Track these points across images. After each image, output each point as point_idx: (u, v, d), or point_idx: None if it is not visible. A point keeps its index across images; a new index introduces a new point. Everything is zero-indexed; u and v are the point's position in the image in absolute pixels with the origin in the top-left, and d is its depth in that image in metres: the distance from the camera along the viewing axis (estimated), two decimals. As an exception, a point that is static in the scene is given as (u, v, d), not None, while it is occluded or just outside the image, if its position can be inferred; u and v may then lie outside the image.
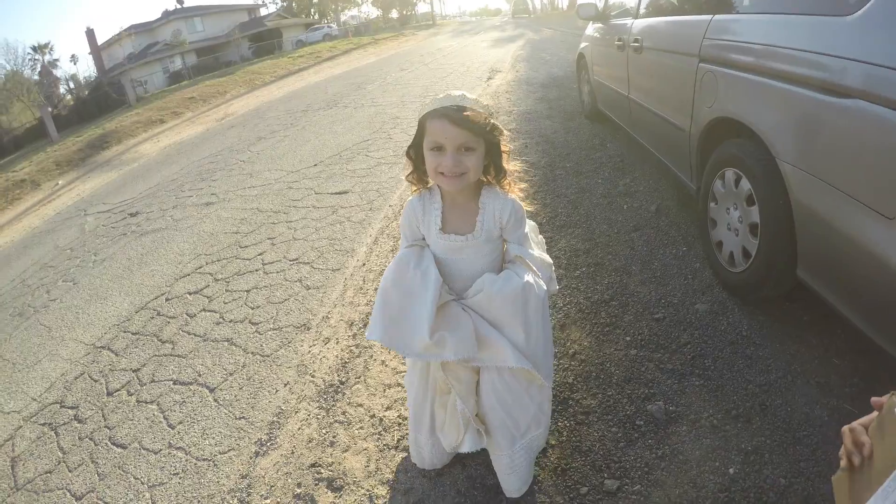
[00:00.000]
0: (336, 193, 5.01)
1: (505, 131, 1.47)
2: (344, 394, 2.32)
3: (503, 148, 1.48)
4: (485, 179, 1.50)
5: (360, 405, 2.23)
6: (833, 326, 2.07)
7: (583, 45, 5.60)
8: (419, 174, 1.51)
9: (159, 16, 42.92)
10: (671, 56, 2.98)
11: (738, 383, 1.93)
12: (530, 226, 1.62)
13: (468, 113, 1.32)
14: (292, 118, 9.67)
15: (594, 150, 4.75)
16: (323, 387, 2.39)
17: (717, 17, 2.47)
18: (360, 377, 2.40)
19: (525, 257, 1.51)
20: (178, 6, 44.08)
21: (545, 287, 1.52)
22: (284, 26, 44.27)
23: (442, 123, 1.33)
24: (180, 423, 2.41)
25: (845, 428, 0.75)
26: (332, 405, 2.27)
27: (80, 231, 6.32)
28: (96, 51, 41.74)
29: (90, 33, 41.57)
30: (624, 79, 3.93)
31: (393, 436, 2.05)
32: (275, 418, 2.28)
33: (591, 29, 5.23)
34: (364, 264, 3.47)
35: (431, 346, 1.38)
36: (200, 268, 4.07)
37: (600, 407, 1.96)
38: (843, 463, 0.75)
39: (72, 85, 42.96)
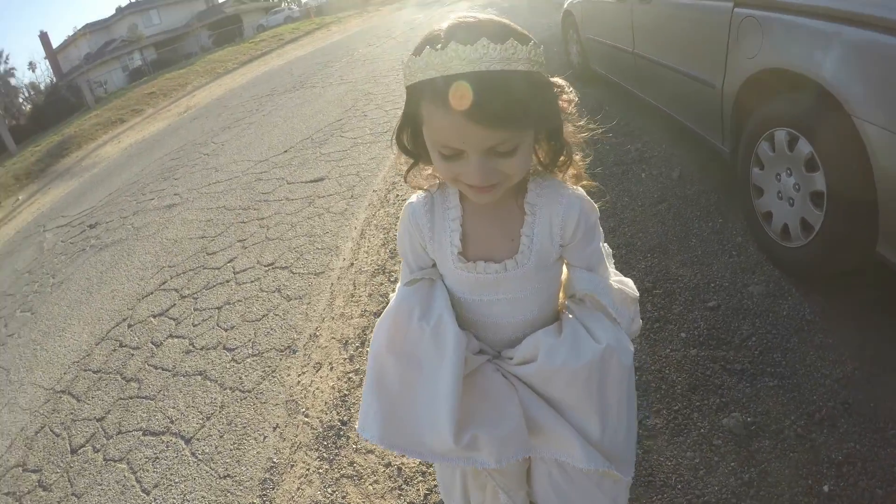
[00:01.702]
0: (311, 182, 4.61)
1: (572, 93, 0.91)
2: (348, 438, 1.94)
3: (566, 124, 0.92)
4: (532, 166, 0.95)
5: (371, 451, 1.87)
6: None
7: (569, 1, 5.18)
8: (417, 174, 1.00)
9: (113, 12, 41.87)
10: (694, 2, 2.61)
11: (815, 379, 1.70)
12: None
13: (503, 94, 0.74)
14: (257, 104, 9.25)
15: (592, 113, 4.22)
16: (321, 430, 2.01)
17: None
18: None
19: (600, 295, 1.00)
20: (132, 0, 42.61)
21: (632, 348, 1.02)
22: (244, 12, 43.20)
23: (456, 122, 0.74)
24: (156, 486, 2.04)
25: None
26: (336, 454, 1.89)
27: (39, 250, 6.00)
28: (52, 55, 40.75)
29: (44, 37, 40.67)
30: (627, 33, 3.55)
31: (418, 490, 1.70)
32: (267, 475, 1.90)
33: (580, -18, 4.81)
34: (352, 264, 3.07)
35: (458, 450, 0.92)
36: (164, 283, 3.67)
37: (668, 427, 1.67)
38: None
39: (32, 93, 41.59)
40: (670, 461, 1.56)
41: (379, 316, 1.13)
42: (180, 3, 42.99)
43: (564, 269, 1.06)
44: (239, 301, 3.06)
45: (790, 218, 2.02)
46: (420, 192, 1.02)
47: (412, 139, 0.90)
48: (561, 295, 1.07)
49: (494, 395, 0.97)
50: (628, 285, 1.09)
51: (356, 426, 1.05)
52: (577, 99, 0.92)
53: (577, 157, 0.96)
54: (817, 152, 1.80)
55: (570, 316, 1.01)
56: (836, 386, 1.67)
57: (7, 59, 43.05)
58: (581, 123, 0.95)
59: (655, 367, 1.87)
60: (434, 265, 1.04)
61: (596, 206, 1.00)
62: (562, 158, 0.94)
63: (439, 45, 0.74)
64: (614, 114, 4.23)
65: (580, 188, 0.99)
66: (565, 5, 5.36)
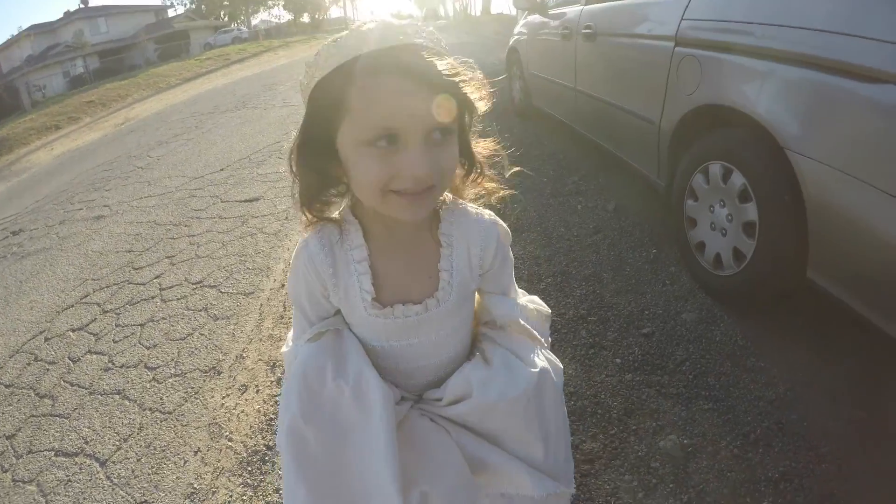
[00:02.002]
0: (245, 201, 4.45)
1: (483, 83, 0.81)
2: (274, 463, 1.81)
3: (473, 135, 0.88)
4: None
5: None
6: (825, 329, 1.94)
7: (514, 38, 5.35)
8: (319, 201, 0.86)
9: (62, 15, 40.26)
10: (637, 42, 2.71)
11: (749, 401, 1.74)
12: None
13: (443, 61, 0.71)
14: (197, 121, 8.95)
15: (532, 147, 4.47)
16: (245, 455, 1.87)
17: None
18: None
19: (523, 319, 0.97)
20: (82, 5, 41.18)
21: (561, 366, 1.01)
22: (193, 28, 42.47)
23: (404, 90, 0.68)
24: (65, 511, 1.83)
25: None
26: (261, 481, 1.76)
27: None
28: None
29: None
30: (570, 70, 3.65)
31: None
32: (187, 501, 1.74)
33: (527, 20, 4.96)
34: (283, 285, 2.95)
35: None
36: (86, 296, 3.40)
37: (605, 451, 1.64)
38: None
39: None
40: (608, 485, 1.54)
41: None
42: (130, 13, 42.10)
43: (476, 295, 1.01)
44: (163, 318, 2.87)
45: (723, 247, 2.08)
46: (312, 231, 0.88)
47: (317, 155, 0.78)
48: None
49: (429, 445, 0.88)
50: (538, 302, 1.07)
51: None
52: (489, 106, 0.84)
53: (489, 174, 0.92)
54: (750, 184, 1.87)
55: (495, 344, 0.96)
56: (770, 407, 1.71)
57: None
58: (486, 142, 0.91)
59: (591, 393, 1.86)
60: (337, 313, 0.93)
61: (508, 229, 0.97)
62: (476, 178, 0.90)
63: (365, 26, 0.71)
64: (553, 147, 4.36)
65: (490, 212, 0.95)
66: (510, 42, 5.49)
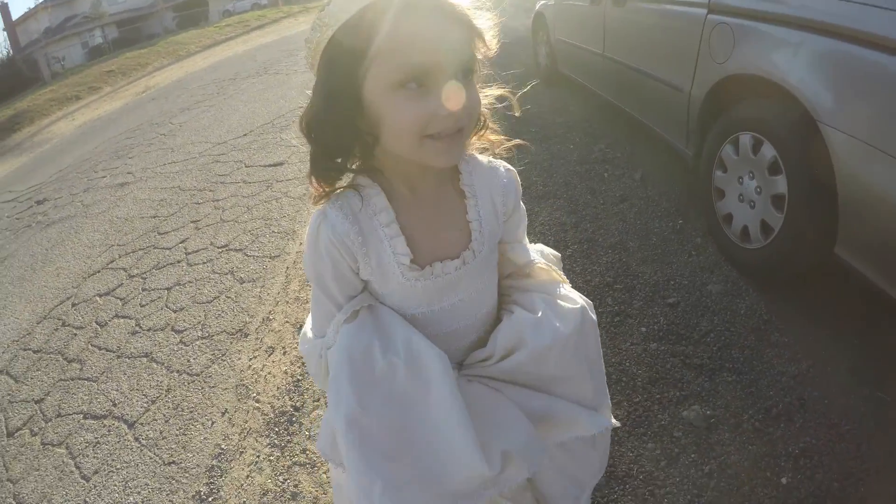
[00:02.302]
0: (270, 166, 4.47)
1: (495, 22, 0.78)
2: (301, 424, 1.85)
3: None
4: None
5: (325, 438, 1.78)
6: (850, 307, 1.89)
7: (541, 2, 5.20)
8: (335, 167, 0.80)
9: None
10: (667, 7, 2.63)
11: (772, 376, 1.72)
12: None
13: None
14: (219, 87, 8.94)
15: (558, 114, 4.39)
16: (272, 416, 1.92)
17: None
18: (318, 400, 1.93)
19: (543, 264, 0.97)
20: (98, -26, 40.84)
21: (590, 300, 0.98)
22: (211, -5, 41.73)
23: (431, 20, 0.67)
24: (96, 472, 1.91)
25: None
26: (288, 441, 1.80)
27: None
28: (11, 27, 38.41)
29: (4, 8, 38.33)
30: (598, 36, 3.55)
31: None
32: (214, 462, 1.80)
33: (555, -17, 4.81)
34: (309, 247, 2.97)
35: (495, 476, 0.78)
36: (112, 262, 3.48)
37: (629, 418, 1.66)
38: None
39: None
40: (632, 452, 1.56)
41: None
42: (147, -18, 41.64)
43: None
44: (190, 282, 2.92)
45: (750, 220, 2.05)
46: (328, 201, 0.82)
47: (340, 111, 0.73)
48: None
49: (489, 407, 0.85)
50: (548, 249, 1.07)
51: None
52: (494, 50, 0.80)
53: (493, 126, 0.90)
54: (781, 156, 1.83)
55: (528, 292, 0.95)
56: (792, 382, 1.69)
57: (-37, 29, 40.57)
58: (492, 88, 0.86)
59: (616, 360, 1.87)
60: (363, 289, 0.87)
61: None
62: (483, 128, 0.87)
63: None
64: (579, 115, 4.28)
65: (501, 160, 0.93)
66: (537, 7, 5.35)
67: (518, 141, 0.94)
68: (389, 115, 0.71)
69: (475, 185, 0.87)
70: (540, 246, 1.06)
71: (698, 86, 2.31)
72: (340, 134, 0.75)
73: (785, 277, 2.02)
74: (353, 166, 0.82)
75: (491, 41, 0.75)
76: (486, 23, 0.74)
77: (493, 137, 0.90)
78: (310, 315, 0.95)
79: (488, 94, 0.86)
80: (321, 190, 0.81)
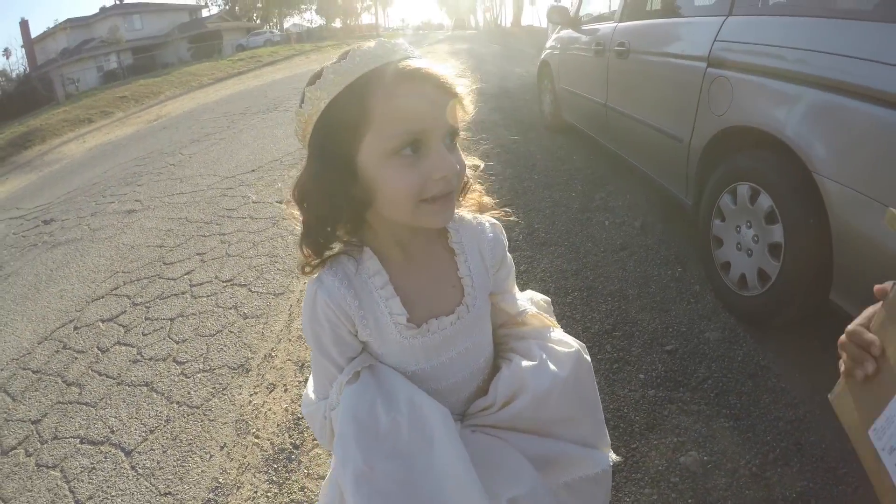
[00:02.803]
0: (277, 202, 4.51)
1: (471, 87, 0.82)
2: (300, 462, 1.84)
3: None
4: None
5: (323, 477, 1.77)
6: None
7: (546, 52, 5.38)
8: (326, 237, 0.82)
9: (97, 10, 40.96)
10: (669, 61, 2.73)
11: (769, 421, 1.74)
12: None
13: (445, 68, 0.76)
14: (229, 121, 9.07)
15: (561, 161, 4.49)
16: (271, 452, 1.91)
17: (735, 18, 2.23)
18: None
19: (535, 312, 1.00)
20: (118, 1, 42.00)
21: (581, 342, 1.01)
22: (226, 29, 43.04)
23: (427, 93, 0.71)
24: (90, 498, 1.89)
25: (843, 337, 0.69)
26: (286, 478, 1.79)
27: None
28: (29, 44, 39.27)
29: (24, 25, 39.15)
30: (601, 86, 3.67)
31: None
32: (211, 495, 1.78)
33: (560, 35, 5.00)
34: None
35: None
36: (117, 288, 3.49)
37: (626, 464, 1.66)
38: (842, 380, 0.71)
39: (2, 79, 40.03)
40: (629, 497, 1.56)
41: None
42: (164, 11, 42.66)
43: None
44: (193, 314, 2.94)
45: (748, 268, 2.09)
46: (324, 268, 0.84)
47: (335, 181, 0.75)
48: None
49: (494, 456, 0.86)
50: (535, 294, 1.09)
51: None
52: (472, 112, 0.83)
53: (478, 188, 0.94)
54: (777, 206, 1.88)
55: (524, 339, 0.97)
56: (789, 427, 1.71)
57: (-17, 42, 41.18)
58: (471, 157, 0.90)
59: (614, 407, 1.87)
60: (362, 350, 0.89)
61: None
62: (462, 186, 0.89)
63: (365, 45, 0.75)
64: (582, 162, 4.37)
65: (486, 216, 0.96)
66: (542, 56, 5.52)
67: (506, 210, 0.99)
68: (385, 182, 0.73)
69: (464, 241, 0.90)
70: (529, 293, 1.09)
71: (698, 137, 2.37)
72: (334, 203, 0.77)
73: (782, 324, 2.04)
74: (343, 233, 0.84)
75: (469, 106, 0.79)
76: (465, 89, 0.77)
77: (485, 200, 0.95)
78: (311, 377, 0.98)
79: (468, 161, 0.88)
80: (311, 258, 0.83)
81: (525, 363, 0.90)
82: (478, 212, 0.95)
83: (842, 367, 0.71)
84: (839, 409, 0.73)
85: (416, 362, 0.87)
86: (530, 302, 1.03)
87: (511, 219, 1.01)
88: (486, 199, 0.96)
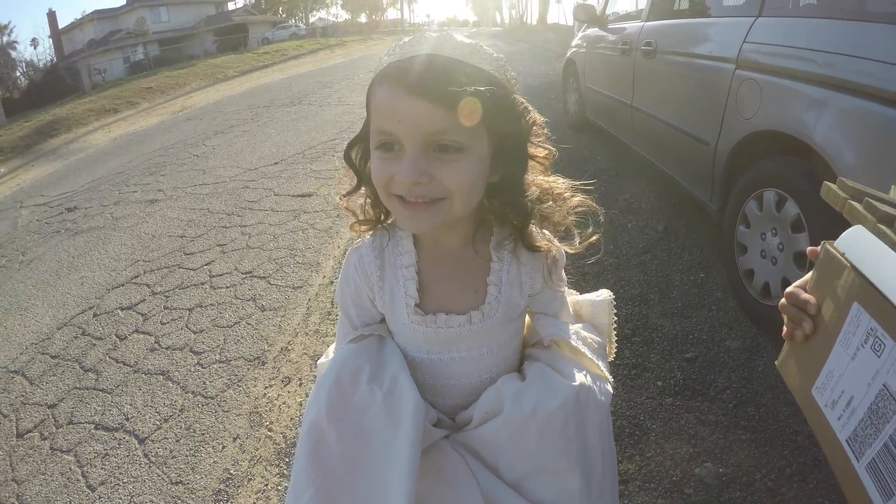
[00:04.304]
0: (298, 196, 4.54)
1: (538, 116, 0.81)
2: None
3: (536, 151, 0.82)
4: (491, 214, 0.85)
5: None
6: None
7: (572, 50, 5.31)
8: (372, 200, 0.86)
9: (124, 2, 41.62)
10: (697, 62, 2.66)
11: (787, 435, 1.70)
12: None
13: (454, 75, 0.68)
14: (253, 113, 9.14)
15: (584, 161, 4.42)
16: (283, 445, 1.91)
17: (764, 19, 2.17)
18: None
19: (568, 339, 0.90)
20: (145, -7, 42.68)
21: (611, 389, 0.90)
22: (251, 22, 43.41)
23: (395, 96, 0.69)
24: (102, 483, 1.91)
25: (783, 300, 0.71)
26: (298, 472, 1.79)
27: (13, 226, 5.79)
28: (56, 34, 40.03)
29: (52, 15, 39.92)
30: (627, 86, 3.61)
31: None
32: (221, 486, 1.79)
33: (586, 33, 4.93)
34: (332, 282, 3.00)
35: None
36: (137, 277, 3.53)
37: (640, 473, 1.63)
38: (786, 344, 0.72)
39: (30, 69, 40.99)
40: (641, 508, 1.52)
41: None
42: (190, 4, 43.07)
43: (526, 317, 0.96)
44: (212, 305, 2.96)
45: (772, 276, 2.04)
46: (366, 237, 0.89)
47: (361, 155, 0.83)
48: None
49: (452, 478, 0.80)
50: (591, 332, 1.00)
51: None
52: (545, 131, 0.82)
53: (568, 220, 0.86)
54: (804, 214, 1.83)
55: (535, 360, 0.90)
56: (807, 442, 1.66)
57: (12, 31, 42.01)
58: (553, 178, 0.86)
59: (630, 413, 1.84)
60: (382, 321, 0.91)
61: (563, 251, 0.90)
62: (526, 219, 0.82)
63: (405, 38, 0.74)
64: (606, 163, 4.31)
65: (547, 231, 0.89)
66: (568, 54, 5.46)
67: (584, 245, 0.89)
68: (372, 160, 0.77)
69: (506, 253, 0.86)
70: (587, 327, 1.01)
71: (725, 140, 2.32)
72: (355, 167, 0.86)
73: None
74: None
75: (472, 114, 0.69)
76: (473, 96, 0.70)
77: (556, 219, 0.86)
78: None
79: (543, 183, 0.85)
80: (362, 217, 0.88)
81: (512, 383, 0.85)
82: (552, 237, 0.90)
83: (784, 332, 0.71)
84: (784, 372, 0.73)
85: (418, 350, 0.88)
86: (576, 336, 0.94)
87: (589, 262, 0.97)
88: (570, 230, 0.88)
